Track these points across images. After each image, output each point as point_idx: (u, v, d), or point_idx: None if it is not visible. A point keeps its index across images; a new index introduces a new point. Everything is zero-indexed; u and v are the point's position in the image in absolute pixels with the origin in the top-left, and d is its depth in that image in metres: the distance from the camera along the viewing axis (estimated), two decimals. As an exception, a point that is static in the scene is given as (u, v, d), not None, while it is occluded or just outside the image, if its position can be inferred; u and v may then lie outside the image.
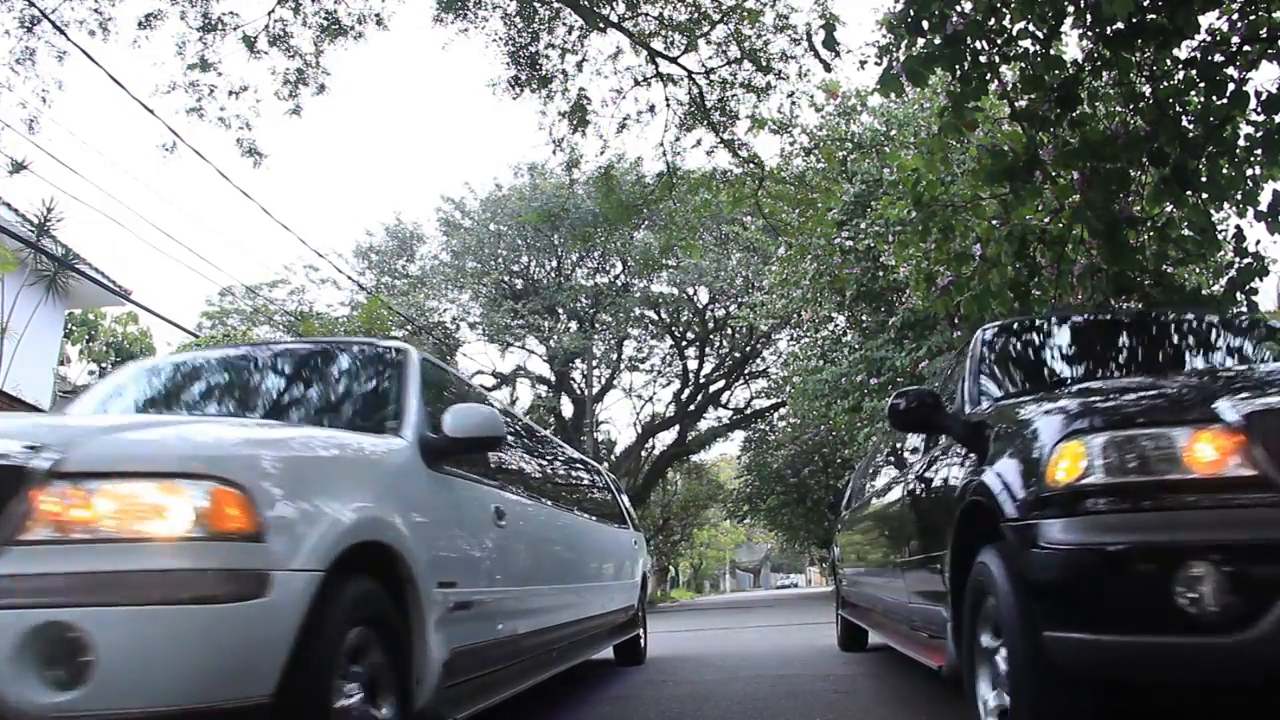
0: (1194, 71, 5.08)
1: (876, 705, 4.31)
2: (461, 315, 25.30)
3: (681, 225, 17.52)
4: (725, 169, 13.11)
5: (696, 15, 11.26)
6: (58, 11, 9.61)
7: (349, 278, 21.18)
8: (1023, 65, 5.12)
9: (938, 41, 4.89)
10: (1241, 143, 5.15)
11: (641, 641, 7.13)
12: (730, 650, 8.44)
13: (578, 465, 6.56)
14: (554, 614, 4.44)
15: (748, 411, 29.56)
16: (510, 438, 4.31)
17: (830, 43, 7.27)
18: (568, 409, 26.70)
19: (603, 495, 6.86)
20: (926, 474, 3.67)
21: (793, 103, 12.36)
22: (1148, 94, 5.27)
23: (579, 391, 25.83)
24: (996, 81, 5.31)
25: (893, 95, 5.89)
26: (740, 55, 11.54)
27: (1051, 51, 5.11)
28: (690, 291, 25.74)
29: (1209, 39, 5.01)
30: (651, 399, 30.60)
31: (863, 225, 11.87)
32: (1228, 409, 2.13)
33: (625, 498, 7.88)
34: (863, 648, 6.95)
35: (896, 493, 4.42)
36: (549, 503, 4.68)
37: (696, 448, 30.48)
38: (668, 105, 12.06)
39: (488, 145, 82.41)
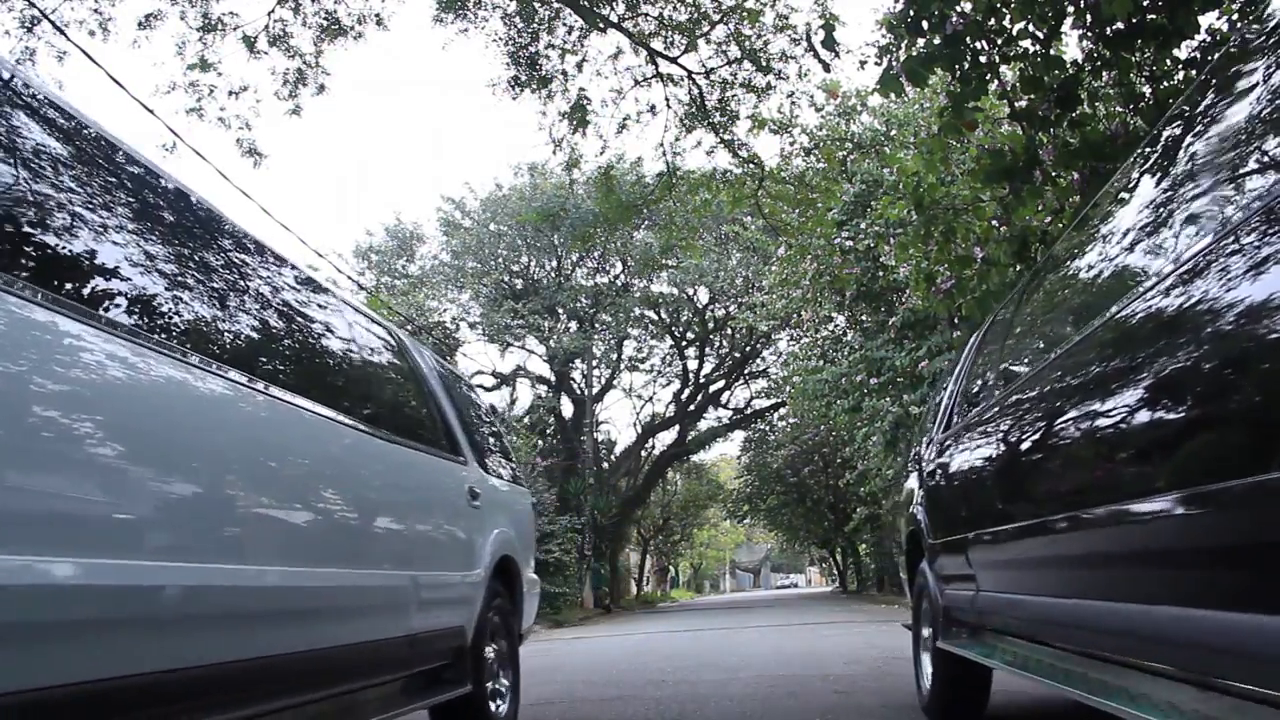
0: (1194, 71, 5.08)
1: (877, 705, 4.30)
2: (461, 315, 25.33)
3: (681, 225, 17.52)
4: (725, 169, 13.11)
5: (696, 15, 11.25)
6: (58, 11, 9.61)
7: (349, 278, 21.16)
8: (1023, 65, 5.11)
9: (938, 41, 4.89)
10: (1242, 143, 5.13)
11: (492, 705, 3.68)
12: (731, 649, 8.44)
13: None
14: None
15: (748, 411, 29.60)
16: None
17: (830, 43, 7.27)
18: (568, 409, 26.71)
19: (367, 367, 3.42)
20: None
21: (793, 103, 12.38)
22: (1148, 94, 5.27)
23: (579, 391, 25.82)
24: (996, 81, 5.31)
25: (893, 95, 5.88)
26: (740, 55, 11.54)
27: (1051, 51, 5.10)
28: (690, 291, 25.76)
29: (1209, 39, 5.00)
30: (651, 399, 30.66)
31: (863, 225, 11.89)
32: None
33: (465, 411, 4.25)
34: (980, 714, 3.65)
35: None
36: None
37: (696, 448, 30.50)
38: (668, 105, 12.06)
39: (488, 145, 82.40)
